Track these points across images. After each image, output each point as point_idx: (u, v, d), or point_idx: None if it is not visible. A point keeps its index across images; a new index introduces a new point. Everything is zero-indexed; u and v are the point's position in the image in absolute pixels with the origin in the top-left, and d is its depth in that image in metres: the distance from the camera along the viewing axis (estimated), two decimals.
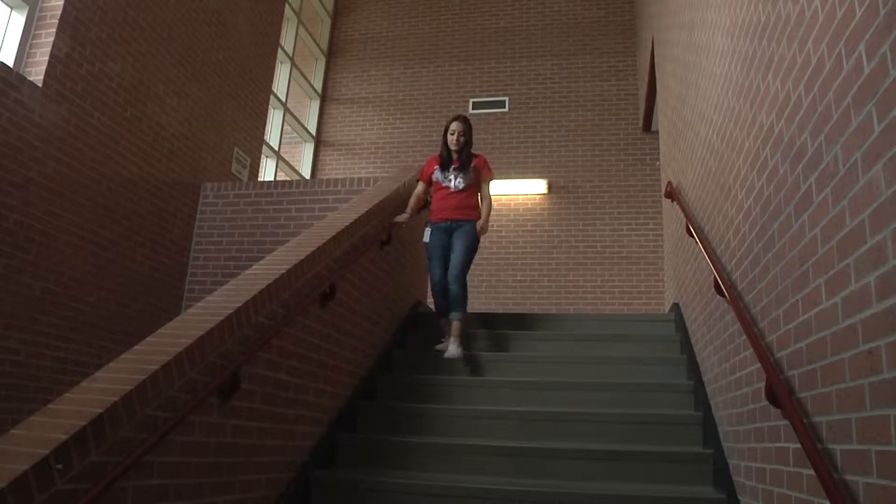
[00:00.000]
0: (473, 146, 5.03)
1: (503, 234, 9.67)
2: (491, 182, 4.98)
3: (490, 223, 4.99)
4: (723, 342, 3.27)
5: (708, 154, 3.67)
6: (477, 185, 4.93)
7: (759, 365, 2.45)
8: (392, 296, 4.93)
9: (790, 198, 2.17)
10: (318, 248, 3.64)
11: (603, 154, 9.85)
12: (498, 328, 5.18)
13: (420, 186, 5.05)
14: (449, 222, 4.80)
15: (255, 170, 8.28)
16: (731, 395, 3.06)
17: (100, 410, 2.03)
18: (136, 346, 2.49)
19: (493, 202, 5.02)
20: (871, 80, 1.57)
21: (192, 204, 6.83)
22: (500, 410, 3.93)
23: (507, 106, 10.37)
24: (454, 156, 4.89)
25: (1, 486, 1.68)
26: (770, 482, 2.38)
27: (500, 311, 8.13)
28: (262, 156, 8.81)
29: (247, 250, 6.42)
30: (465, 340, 4.70)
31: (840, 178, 1.76)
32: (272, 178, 9.30)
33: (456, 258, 4.69)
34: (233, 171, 7.66)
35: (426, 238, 4.82)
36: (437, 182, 4.94)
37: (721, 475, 3.09)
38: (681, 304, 4.91)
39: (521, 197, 9.84)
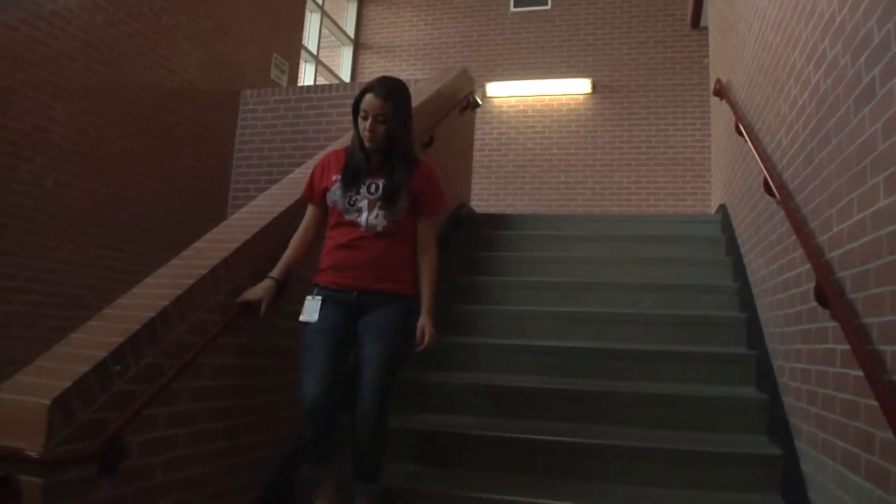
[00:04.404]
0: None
1: (546, 135, 9.51)
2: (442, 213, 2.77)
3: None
4: (770, 243, 3.21)
5: (760, 49, 3.50)
6: (413, 219, 2.60)
7: (807, 266, 2.40)
8: None
9: (849, 92, 2.06)
10: None
11: (649, 52, 9.50)
12: (541, 229, 5.15)
13: (309, 214, 2.68)
14: (355, 292, 2.50)
15: (294, 75, 8.18)
16: (777, 296, 3.02)
17: (152, 314, 2.09)
18: (184, 252, 2.54)
19: (433, 237, 2.66)
20: None
21: (233, 112, 6.81)
22: (544, 311, 3.94)
23: (549, 3, 9.99)
24: (370, 158, 2.56)
25: (67, 385, 1.76)
26: (815, 383, 2.37)
27: (543, 213, 8.09)
28: (301, 61, 8.69)
29: (289, 156, 6.42)
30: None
31: None
32: (311, 83, 9.20)
33: (372, 371, 2.44)
34: (272, 77, 7.59)
35: (308, 315, 2.50)
36: (335, 207, 2.56)
37: (764, 376, 3.10)
38: (728, 206, 4.81)
39: (564, 97, 9.60)
